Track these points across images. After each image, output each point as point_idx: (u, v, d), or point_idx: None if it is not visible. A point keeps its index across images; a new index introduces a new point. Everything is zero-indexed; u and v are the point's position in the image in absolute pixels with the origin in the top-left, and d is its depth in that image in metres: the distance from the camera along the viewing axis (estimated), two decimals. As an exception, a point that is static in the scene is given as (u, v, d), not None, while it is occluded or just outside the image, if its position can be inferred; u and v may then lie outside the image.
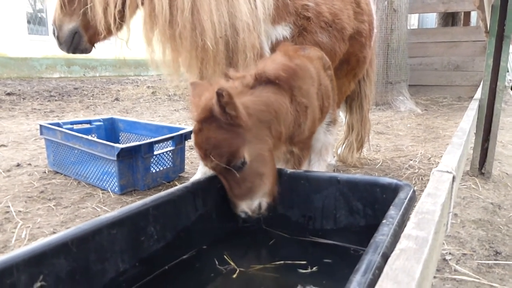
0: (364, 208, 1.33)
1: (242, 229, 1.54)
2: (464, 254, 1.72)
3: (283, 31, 2.28)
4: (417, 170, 3.07)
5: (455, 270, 1.59)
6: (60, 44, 2.06)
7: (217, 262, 1.31)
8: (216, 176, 1.45)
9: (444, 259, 1.67)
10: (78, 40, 2.05)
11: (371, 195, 1.32)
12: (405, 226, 0.80)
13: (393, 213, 0.97)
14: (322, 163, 2.18)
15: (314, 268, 1.29)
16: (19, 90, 8.77)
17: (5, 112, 6.08)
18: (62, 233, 0.95)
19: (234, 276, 1.24)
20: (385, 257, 0.77)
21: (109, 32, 2.02)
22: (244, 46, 2.06)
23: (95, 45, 2.19)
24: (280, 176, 1.47)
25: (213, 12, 1.93)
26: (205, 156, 1.28)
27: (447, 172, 0.96)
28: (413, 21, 17.42)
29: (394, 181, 1.27)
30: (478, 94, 3.01)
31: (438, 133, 4.60)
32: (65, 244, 0.94)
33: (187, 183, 1.37)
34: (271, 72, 1.45)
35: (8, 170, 3.02)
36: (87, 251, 0.98)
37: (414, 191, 1.17)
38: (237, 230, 1.54)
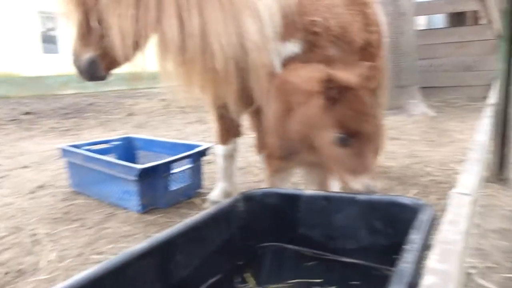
0: (385, 228, 1.35)
1: (264, 249, 1.57)
2: (488, 267, 1.71)
3: (292, 47, 2.30)
4: (434, 178, 3.05)
5: (480, 285, 1.58)
6: (80, 73, 2.13)
7: (239, 283, 1.34)
8: (237, 199, 1.49)
9: (468, 273, 1.67)
10: (96, 69, 2.11)
11: (390, 215, 1.34)
12: (428, 249, 0.82)
13: (415, 238, 0.99)
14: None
15: (333, 287, 1.31)
16: (36, 108, 8.97)
17: (25, 132, 6.23)
18: (96, 267, 1.00)
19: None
20: (411, 287, 0.79)
21: (125, 60, 2.08)
22: (255, 65, 2.09)
23: (111, 72, 2.25)
24: (300, 197, 1.50)
25: (221, 34, 1.97)
26: None
27: (467, 194, 0.98)
28: (422, 22, 17.26)
29: (413, 200, 1.29)
30: (491, 99, 2.99)
31: (453, 137, 4.57)
32: (101, 278, 0.98)
33: (210, 208, 1.40)
34: None
35: (32, 192, 3.10)
36: (120, 284, 1.03)
37: (434, 211, 1.18)
38: (260, 250, 1.57)
